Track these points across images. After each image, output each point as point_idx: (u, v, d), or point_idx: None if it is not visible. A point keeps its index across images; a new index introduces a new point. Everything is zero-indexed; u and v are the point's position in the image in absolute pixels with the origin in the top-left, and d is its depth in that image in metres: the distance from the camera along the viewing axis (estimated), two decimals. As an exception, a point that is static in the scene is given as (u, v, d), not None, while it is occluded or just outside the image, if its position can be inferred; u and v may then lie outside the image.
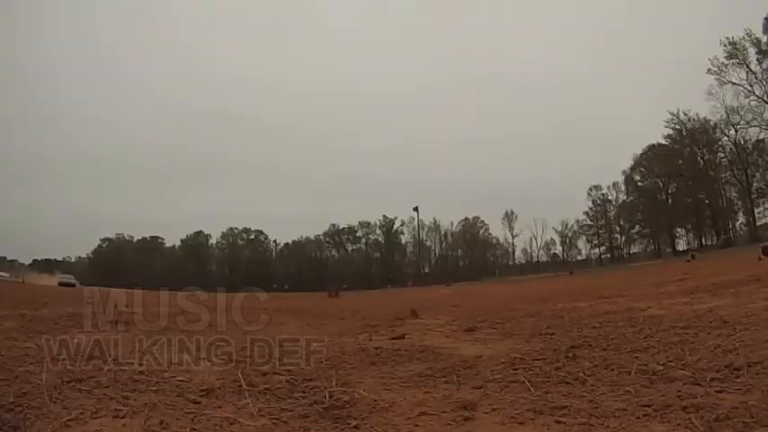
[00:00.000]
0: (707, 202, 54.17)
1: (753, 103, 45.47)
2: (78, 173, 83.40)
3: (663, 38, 76.94)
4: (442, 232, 79.78)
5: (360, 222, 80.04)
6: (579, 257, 70.22)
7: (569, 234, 72.02)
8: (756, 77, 44.64)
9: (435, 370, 2.32)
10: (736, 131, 48.64)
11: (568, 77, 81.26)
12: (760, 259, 12.87)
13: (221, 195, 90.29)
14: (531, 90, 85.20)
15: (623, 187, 63.41)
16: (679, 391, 1.62)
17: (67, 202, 69.34)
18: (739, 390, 1.59)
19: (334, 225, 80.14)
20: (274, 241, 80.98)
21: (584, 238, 70.71)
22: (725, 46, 45.16)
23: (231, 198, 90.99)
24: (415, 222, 72.33)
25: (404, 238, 79.43)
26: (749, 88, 45.07)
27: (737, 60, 45.04)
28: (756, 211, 50.01)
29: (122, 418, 1.51)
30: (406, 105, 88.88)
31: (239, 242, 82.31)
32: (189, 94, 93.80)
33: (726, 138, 50.60)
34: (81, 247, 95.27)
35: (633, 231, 63.68)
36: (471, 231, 78.68)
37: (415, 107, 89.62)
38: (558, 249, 73.47)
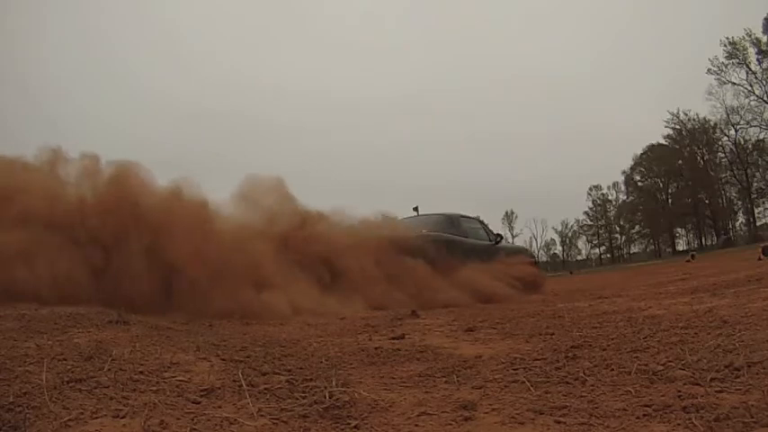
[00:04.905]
0: (707, 202, 54.16)
1: (753, 103, 45.43)
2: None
3: (663, 38, 76.89)
4: (442, 232, 79.73)
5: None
6: (579, 257, 70.15)
7: (569, 234, 71.98)
8: (756, 77, 44.61)
9: (435, 370, 2.32)
10: (736, 131, 48.63)
11: (568, 77, 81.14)
12: (760, 259, 12.88)
13: (221, 195, 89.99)
14: (531, 90, 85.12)
15: (623, 187, 63.36)
16: (679, 391, 1.62)
17: (67, 201, 69.16)
18: (739, 390, 1.59)
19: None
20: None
21: (584, 237, 70.66)
22: (725, 46, 45.15)
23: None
24: (415, 222, 72.26)
25: (404, 238, 79.41)
26: (749, 88, 45.04)
27: (737, 60, 45.04)
28: (756, 211, 50.03)
29: (122, 418, 1.52)
30: (406, 105, 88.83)
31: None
32: (189, 95, 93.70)
33: (726, 138, 50.61)
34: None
35: (633, 231, 63.64)
36: (471, 231, 78.64)
37: (414, 107, 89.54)
38: (558, 249, 73.45)
